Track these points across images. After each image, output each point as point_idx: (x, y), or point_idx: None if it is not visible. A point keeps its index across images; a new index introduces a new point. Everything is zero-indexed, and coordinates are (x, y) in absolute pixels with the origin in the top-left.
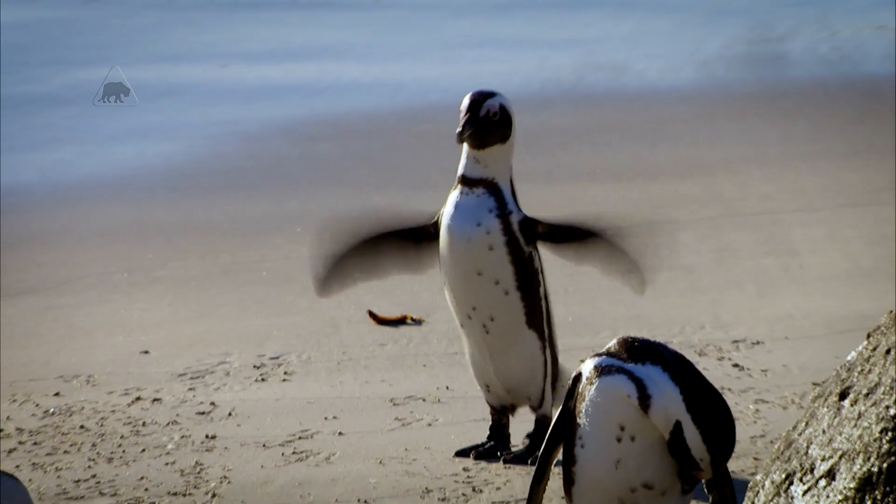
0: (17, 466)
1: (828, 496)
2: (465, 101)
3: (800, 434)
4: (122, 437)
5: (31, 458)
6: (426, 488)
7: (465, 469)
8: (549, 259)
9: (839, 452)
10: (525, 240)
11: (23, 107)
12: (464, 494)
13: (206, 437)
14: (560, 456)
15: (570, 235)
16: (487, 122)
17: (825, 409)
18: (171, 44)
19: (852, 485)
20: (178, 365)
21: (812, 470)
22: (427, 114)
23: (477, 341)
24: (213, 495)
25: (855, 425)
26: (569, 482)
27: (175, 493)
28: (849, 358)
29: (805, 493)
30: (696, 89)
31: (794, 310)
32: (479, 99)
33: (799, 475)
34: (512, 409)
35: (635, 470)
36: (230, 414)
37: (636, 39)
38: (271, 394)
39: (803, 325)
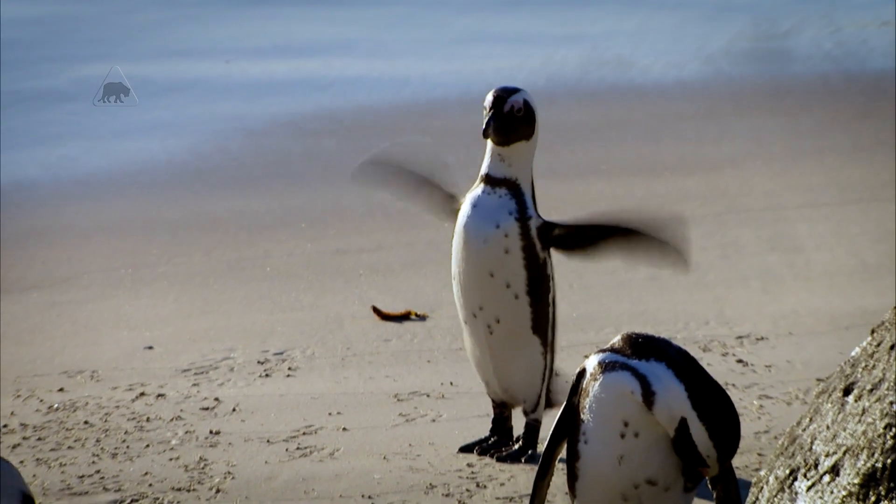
0: (22, 462)
1: (832, 492)
2: (489, 98)
3: (804, 430)
4: (126, 432)
5: (35, 454)
6: (430, 484)
7: (468, 465)
8: (555, 254)
9: (843, 448)
10: (541, 245)
11: (28, 103)
12: (468, 490)
13: (211, 432)
14: (564, 452)
15: (588, 236)
16: (512, 118)
17: (829, 405)
18: (176, 40)
19: (856, 480)
20: (183, 360)
21: (816, 466)
22: (432, 109)
23: (479, 340)
24: (217, 491)
25: (859, 421)
26: (572, 478)
27: (179, 489)
28: (853, 354)
29: (809, 488)
30: (700, 85)
31: (798, 306)
32: (504, 95)
33: (803, 471)
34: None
35: (639, 466)
36: (234, 409)
37: (641, 35)
38: (275, 389)
39: (807, 321)
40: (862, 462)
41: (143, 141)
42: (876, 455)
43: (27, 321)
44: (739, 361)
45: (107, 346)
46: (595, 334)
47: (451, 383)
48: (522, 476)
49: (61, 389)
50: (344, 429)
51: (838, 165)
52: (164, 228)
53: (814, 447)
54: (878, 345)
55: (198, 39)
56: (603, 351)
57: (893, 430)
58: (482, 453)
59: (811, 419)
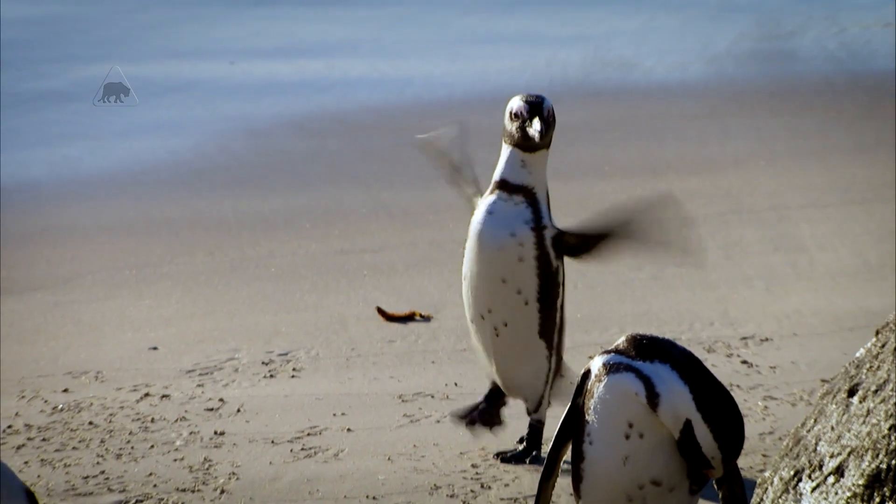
0: (26, 463)
1: (836, 493)
2: (521, 104)
3: (808, 431)
4: (130, 433)
5: (39, 455)
6: (434, 485)
7: (473, 465)
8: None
9: (848, 449)
10: (555, 254)
11: (31, 103)
12: (472, 491)
13: (215, 433)
14: (569, 453)
15: (598, 244)
16: (549, 124)
17: (834, 406)
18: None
19: (861, 481)
20: (187, 361)
21: (821, 466)
22: (435, 109)
23: (485, 341)
24: (222, 491)
25: (864, 422)
26: (577, 478)
27: (184, 490)
28: (857, 354)
29: (814, 489)
30: (704, 86)
31: (802, 306)
32: (538, 101)
33: (808, 472)
34: None
35: (643, 467)
36: (239, 410)
37: (644, 36)
38: (280, 390)
39: (812, 322)
40: (866, 463)
41: (147, 141)
42: (880, 456)
43: (31, 321)
44: (744, 362)
45: (111, 346)
46: (599, 335)
47: (456, 384)
48: (527, 477)
49: (66, 390)
50: (348, 429)
51: (841, 165)
52: (168, 228)
53: (818, 448)
54: (883, 346)
55: (201, 40)
56: (608, 352)
57: None
58: (470, 423)
59: (816, 420)
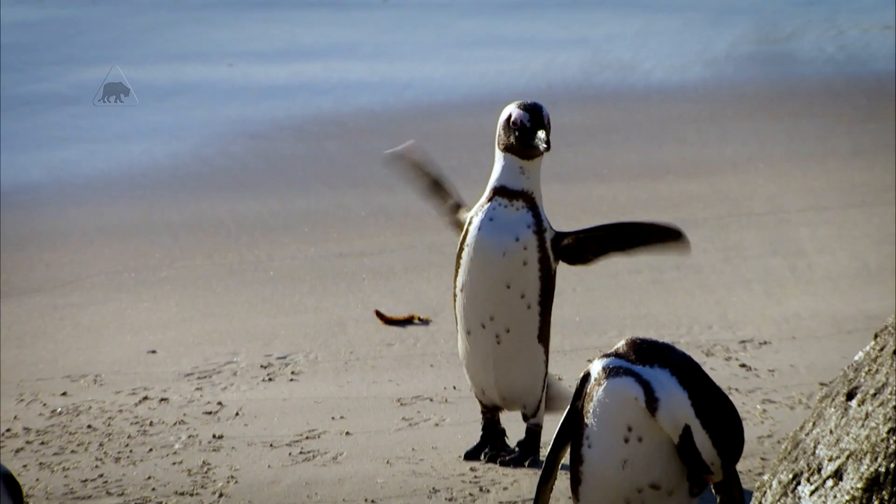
0: (25, 466)
1: (835, 496)
2: (521, 113)
3: (807, 434)
4: (129, 436)
5: (38, 458)
6: (433, 488)
7: (472, 469)
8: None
9: (846, 452)
10: (554, 256)
11: (30, 105)
12: (471, 494)
13: (214, 436)
14: (567, 456)
15: (592, 247)
16: (548, 131)
17: (832, 410)
18: (179, 43)
19: (860, 485)
20: (186, 364)
21: (819, 470)
22: (434, 113)
23: (484, 350)
24: (221, 495)
25: (862, 425)
26: (576, 482)
27: (182, 493)
28: (856, 358)
29: (812, 493)
30: (703, 89)
31: (801, 309)
32: (538, 109)
33: (806, 475)
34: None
35: (642, 470)
36: (237, 413)
37: (643, 39)
38: (278, 393)
39: (810, 325)
40: (865, 466)
41: (146, 144)
42: (879, 459)
43: (29, 325)
44: (743, 366)
45: (110, 349)
46: (598, 338)
47: (454, 387)
48: (525, 480)
49: (64, 393)
50: (347, 433)
51: (841, 169)
52: (167, 232)
53: (817, 451)
54: (882, 349)
55: (200, 43)
56: (607, 356)
57: None
58: (491, 460)
59: (814, 423)
